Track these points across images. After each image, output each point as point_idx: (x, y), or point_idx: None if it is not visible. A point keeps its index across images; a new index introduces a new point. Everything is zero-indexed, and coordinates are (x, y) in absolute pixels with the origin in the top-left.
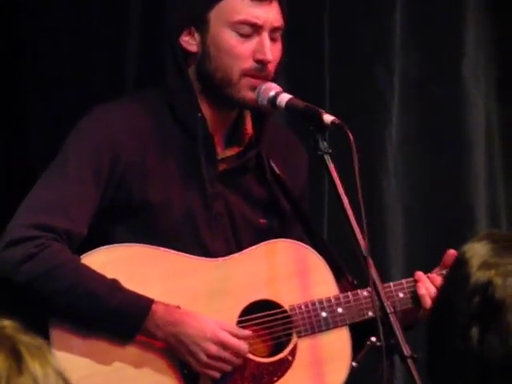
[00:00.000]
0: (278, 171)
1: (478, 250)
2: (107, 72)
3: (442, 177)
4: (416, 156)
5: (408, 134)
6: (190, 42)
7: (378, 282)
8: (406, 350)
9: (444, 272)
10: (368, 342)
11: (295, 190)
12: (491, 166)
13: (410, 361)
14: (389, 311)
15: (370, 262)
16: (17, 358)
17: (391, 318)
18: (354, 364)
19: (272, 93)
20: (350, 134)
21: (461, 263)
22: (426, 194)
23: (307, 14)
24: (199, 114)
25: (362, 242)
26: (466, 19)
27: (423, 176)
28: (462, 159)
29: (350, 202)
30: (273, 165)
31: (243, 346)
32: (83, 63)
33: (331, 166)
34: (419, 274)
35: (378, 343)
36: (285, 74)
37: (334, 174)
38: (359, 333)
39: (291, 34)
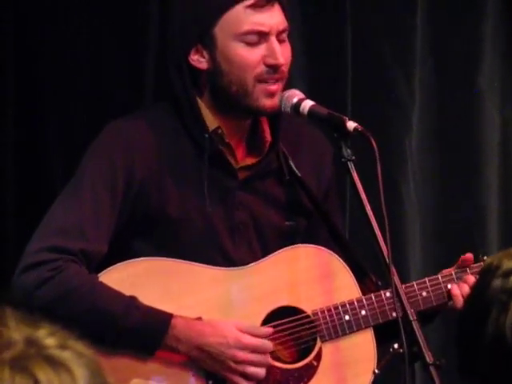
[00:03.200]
0: (298, 172)
1: (505, 254)
2: (127, 82)
3: (458, 186)
4: (434, 164)
5: (427, 143)
6: (199, 59)
7: (400, 288)
8: (429, 357)
9: (469, 268)
10: (390, 349)
11: (320, 185)
12: (506, 176)
13: (432, 368)
14: (412, 318)
15: (393, 269)
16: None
17: (414, 326)
18: (376, 371)
19: (295, 100)
20: (373, 141)
21: (489, 264)
22: (442, 201)
23: (330, 25)
24: (206, 135)
25: (384, 249)
26: (483, 30)
27: (441, 184)
28: (478, 168)
29: (371, 208)
30: (292, 166)
31: (266, 343)
32: (102, 73)
33: (354, 173)
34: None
35: (401, 350)
36: (307, 83)
37: (358, 181)
38: (381, 338)
39: (314, 43)
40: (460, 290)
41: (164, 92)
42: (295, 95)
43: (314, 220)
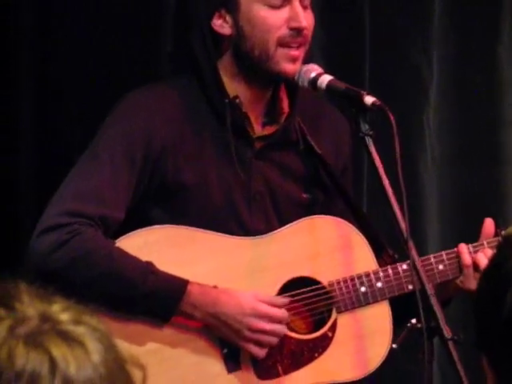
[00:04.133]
0: (315, 146)
1: None
2: (141, 61)
3: (477, 160)
4: (452, 139)
5: (446, 117)
6: (222, 25)
7: (418, 263)
8: (447, 332)
9: (486, 242)
10: (408, 324)
11: (338, 162)
12: None
13: (450, 343)
14: (429, 293)
15: (411, 243)
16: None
17: (432, 300)
18: (394, 346)
19: (313, 74)
20: (391, 116)
21: (509, 237)
22: (461, 177)
23: (347, 1)
24: (226, 100)
25: (402, 224)
26: (502, 4)
27: (459, 159)
28: (498, 144)
29: (389, 183)
30: (310, 140)
31: (283, 313)
32: (117, 51)
33: (372, 148)
34: (462, 246)
35: (419, 325)
36: (325, 58)
37: (376, 156)
38: (399, 314)
39: (331, 18)
40: (475, 261)
41: (181, 68)
42: (313, 70)
43: (330, 193)
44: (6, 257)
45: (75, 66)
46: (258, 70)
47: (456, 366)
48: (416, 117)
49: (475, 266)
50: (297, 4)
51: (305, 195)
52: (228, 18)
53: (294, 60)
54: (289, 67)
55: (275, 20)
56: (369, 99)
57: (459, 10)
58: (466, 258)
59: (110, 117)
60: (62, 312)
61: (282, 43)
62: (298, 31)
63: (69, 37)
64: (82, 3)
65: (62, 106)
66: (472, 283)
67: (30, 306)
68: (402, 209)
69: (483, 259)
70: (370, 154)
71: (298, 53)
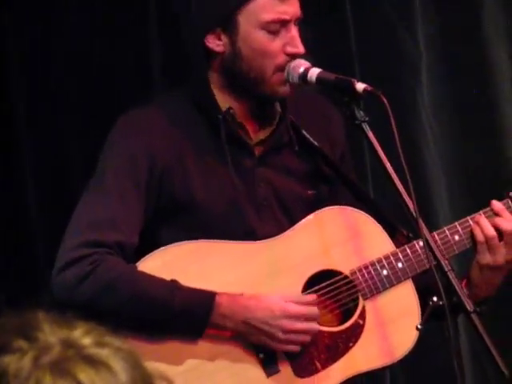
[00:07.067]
0: (312, 140)
1: None
2: (133, 74)
3: (478, 129)
4: (449, 112)
5: (439, 92)
6: (216, 42)
7: (431, 240)
8: (469, 305)
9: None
10: (430, 302)
11: (335, 151)
12: None
13: (474, 315)
14: (446, 269)
15: (421, 223)
16: None
17: (450, 276)
18: (418, 326)
19: (301, 69)
20: (384, 99)
21: None
22: (463, 147)
23: None
24: (219, 116)
25: (410, 204)
26: None
27: (459, 135)
28: (494, 116)
29: (393, 166)
30: (306, 134)
31: (312, 310)
32: (108, 66)
33: (370, 134)
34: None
35: (441, 302)
36: (311, 50)
37: (374, 141)
38: (420, 294)
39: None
40: (494, 225)
41: (171, 78)
42: (301, 64)
43: (335, 186)
44: (23, 287)
45: (70, 80)
46: (250, 90)
47: (482, 338)
48: (409, 95)
49: (497, 229)
50: (293, 28)
51: (310, 192)
52: (223, 37)
53: (286, 82)
54: (283, 89)
55: (274, 47)
56: (360, 86)
57: None
58: (479, 235)
59: (108, 141)
60: (83, 336)
61: (280, 69)
62: (294, 57)
63: (64, 50)
64: (73, 24)
65: (59, 118)
66: (487, 257)
67: (51, 334)
68: (407, 189)
69: (504, 222)
70: (368, 139)
71: None
